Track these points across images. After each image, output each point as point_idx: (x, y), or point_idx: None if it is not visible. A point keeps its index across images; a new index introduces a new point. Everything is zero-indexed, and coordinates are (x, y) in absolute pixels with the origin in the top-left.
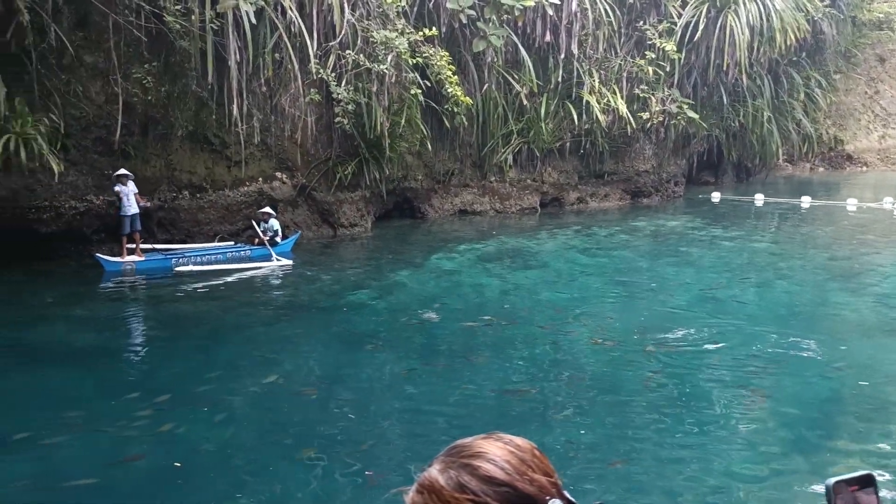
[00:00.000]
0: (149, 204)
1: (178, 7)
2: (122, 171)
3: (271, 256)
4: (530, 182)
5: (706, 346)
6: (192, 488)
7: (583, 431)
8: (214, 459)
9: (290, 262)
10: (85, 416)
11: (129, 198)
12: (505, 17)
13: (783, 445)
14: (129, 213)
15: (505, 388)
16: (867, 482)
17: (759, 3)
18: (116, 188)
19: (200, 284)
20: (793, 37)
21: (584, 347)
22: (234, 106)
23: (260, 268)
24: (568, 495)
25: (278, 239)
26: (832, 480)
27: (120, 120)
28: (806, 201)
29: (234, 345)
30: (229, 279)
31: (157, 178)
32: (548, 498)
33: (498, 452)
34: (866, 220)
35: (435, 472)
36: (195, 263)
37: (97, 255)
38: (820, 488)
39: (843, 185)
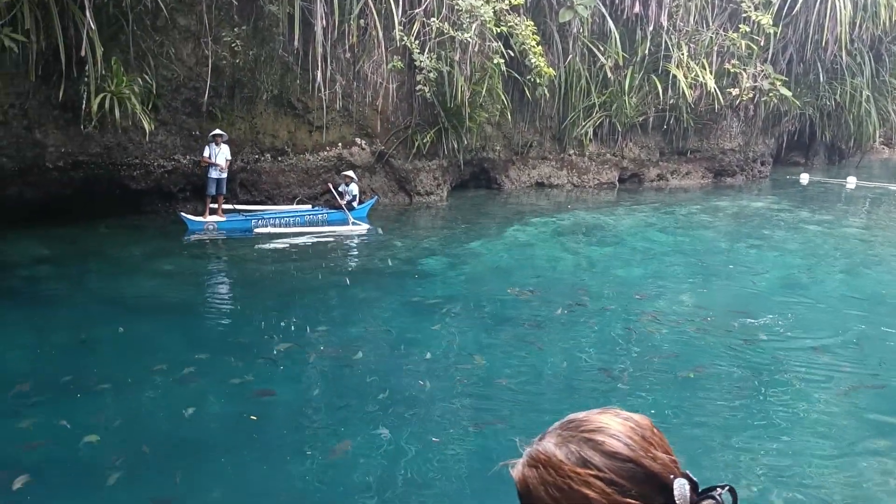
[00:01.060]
0: (224, 173)
1: None
2: (218, 131)
3: (348, 220)
4: (610, 157)
5: (785, 331)
6: (266, 439)
7: (653, 411)
8: (287, 414)
9: (366, 226)
10: (168, 366)
11: (219, 160)
12: None
13: (864, 438)
14: (217, 177)
15: (572, 363)
16: None
17: None
18: (206, 151)
19: (278, 245)
20: None
21: (655, 327)
22: (318, 71)
23: (336, 231)
24: (690, 475)
25: (355, 203)
26: None
27: (209, 82)
28: None
29: (307, 306)
30: (306, 242)
31: (242, 141)
32: (672, 476)
33: (619, 428)
34: None
35: (551, 447)
36: (274, 225)
37: (181, 213)
38: None
39: None
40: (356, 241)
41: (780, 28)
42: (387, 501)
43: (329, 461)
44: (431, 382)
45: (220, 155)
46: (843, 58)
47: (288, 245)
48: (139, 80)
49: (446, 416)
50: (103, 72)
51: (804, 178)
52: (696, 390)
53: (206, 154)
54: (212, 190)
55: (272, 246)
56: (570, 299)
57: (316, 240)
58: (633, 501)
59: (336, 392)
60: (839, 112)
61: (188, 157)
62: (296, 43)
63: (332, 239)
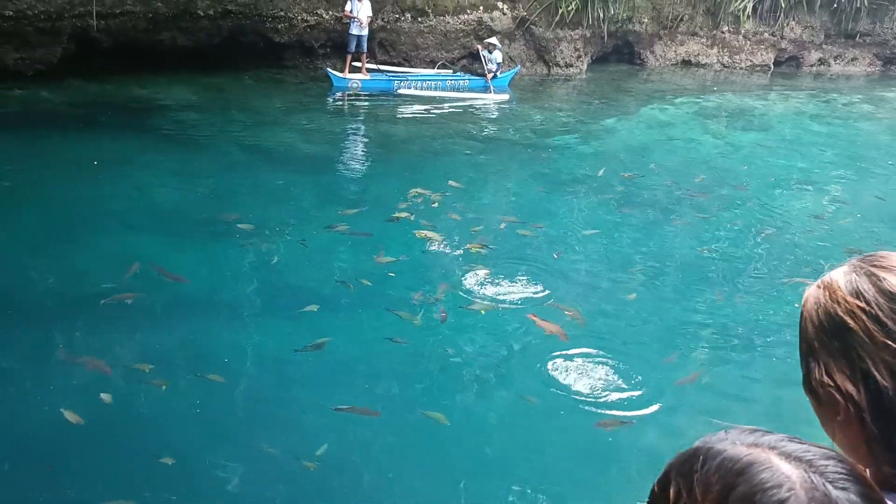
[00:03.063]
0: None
1: None
2: None
3: (489, 89)
4: (767, 36)
5: None
6: (369, 296)
7: (771, 311)
8: (404, 280)
9: (506, 96)
10: (298, 217)
11: (362, 17)
12: None
13: None
14: (358, 33)
15: (701, 248)
16: None
17: None
18: (349, 6)
19: (418, 108)
20: None
21: (796, 219)
22: None
23: (476, 98)
24: None
25: (499, 72)
26: None
27: None
28: None
29: (437, 170)
30: (446, 107)
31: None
32: None
33: None
34: None
35: (839, 272)
36: (416, 88)
37: (328, 69)
38: None
39: None
40: (494, 109)
41: None
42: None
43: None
44: (560, 245)
45: (361, 10)
46: None
47: (427, 108)
48: None
49: (568, 287)
50: None
51: None
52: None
53: (347, 8)
54: (352, 47)
55: (412, 108)
56: (704, 185)
57: (457, 105)
58: (893, 344)
59: (450, 251)
60: None
61: (330, 12)
62: None
63: (470, 105)
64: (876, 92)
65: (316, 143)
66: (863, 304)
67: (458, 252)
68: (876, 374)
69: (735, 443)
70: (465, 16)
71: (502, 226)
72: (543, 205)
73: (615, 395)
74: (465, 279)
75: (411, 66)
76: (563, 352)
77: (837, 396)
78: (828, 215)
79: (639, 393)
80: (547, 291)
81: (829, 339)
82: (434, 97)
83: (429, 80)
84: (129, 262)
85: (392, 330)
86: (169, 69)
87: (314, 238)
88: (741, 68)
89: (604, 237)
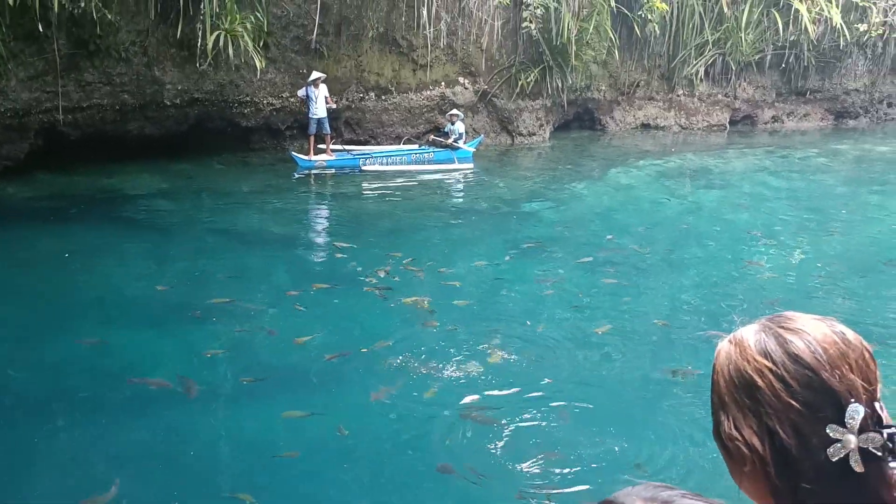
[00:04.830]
0: (334, 105)
1: None
2: (317, 74)
3: (453, 160)
4: (721, 97)
5: None
6: (353, 371)
7: None
8: (387, 339)
9: (470, 166)
10: (272, 295)
11: (318, 101)
12: None
13: None
14: (319, 116)
15: (673, 307)
16: None
17: None
18: (302, 92)
19: (384, 184)
20: None
21: (762, 274)
22: (424, 8)
23: (441, 171)
24: (881, 409)
25: (461, 143)
26: None
27: (317, 20)
28: None
29: (410, 245)
30: (412, 181)
31: (347, 79)
32: (852, 400)
33: (818, 336)
34: None
35: (750, 330)
36: (381, 164)
37: (292, 152)
38: None
39: None
40: (461, 180)
41: None
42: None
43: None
44: (527, 316)
45: (319, 94)
46: None
47: (394, 184)
48: (251, 17)
49: (544, 361)
50: (218, 10)
51: None
52: None
53: (300, 93)
54: (312, 129)
55: (379, 184)
56: (673, 243)
57: (422, 179)
58: (796, 404)
59: (443, 322)
60: None
61: (296, 94)
62: None
63: (437, 178)
64: (830, 145)
65: (287, 223)
66: (770, 364)
67: (434, 328)
68: (781, 431)
69: (634, 497)
70: (428, 92)
71: (475, 295)
72: (518, 272)
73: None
74: (441, 353)
75: (378, 143)
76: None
77: (745, 450)
78: (792, 267)
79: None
80: (528, 363)
81: (739, 395)
82: (400, 172)
83: (394, 155)
84: (104, 359)
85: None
86: (137, 157)
87: (291, 317)
88: (699, 129)
89: (579, 300)
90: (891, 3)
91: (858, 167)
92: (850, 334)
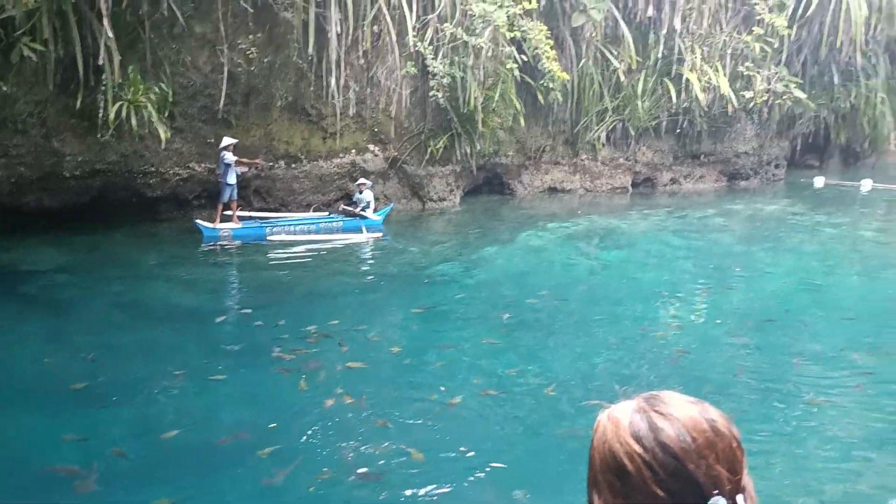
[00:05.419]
0: (259, 162)
1: None
2: (230, 139)
3: (361, 229)
4: (623, 161)
5: (799, 336)
6: (246, 453)
7: None
8: (290, 417)
9: (380, 234)
10: (184, 372)
11: (232, 167)
12: None
13: (877, 446)
14: (232, 182)
15: (592, 365)
16: None
17: None
18: (230, 157)
19: (293, 253)
20: None
21: (670, 330)
22: (333, 77)
23: (350, 239)
24: (743, 501)
25: (369, 211)
26: None
27: (224, 89)
28: None
29: (322, 314)
30: (320, 249)
31: (256, 148)
32: (715, 492)
33: (689, 423)
34: None
35: (627, 409)
36: (288, 232)
37: (197, 221)
38: None
39: None
40: (371, 248)
41: (794, 30)
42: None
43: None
44: (442, 381)
45: (232, 161)
46: (858, 59)
47: (303, 252)
48: (156, 88)
49: (454, 421)
50: (120, 80)
51: (819, 180)
52: (707, 395)
53: (229, 159)
54: (225, 197)
55: (287, 253)
56: (584, 303)
57: (331, 247)
58: (660, 492)
59: (350, 394)
60: (854, 114)
61: (203, 164)
62: (310, 49)
63: (346, 246)
64: (724, 205)
65: (195, 294)
66: (640, 451)
67: (342, 400)
68: None
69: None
70: (339, 159)
71: (385, 363)
72: (429, 337)
73: None
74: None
75: (289, 211)
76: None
77: None
78: (694, 323)
79: None
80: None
81: (610, 476)
82: (309, 240)
83: (302, 223)
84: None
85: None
86: (36, 230)
87: (200, 392)
88: (603, 191)
89: (484, 365)
90: (773, 72)
91: (751, 225)
92: (721, 422)
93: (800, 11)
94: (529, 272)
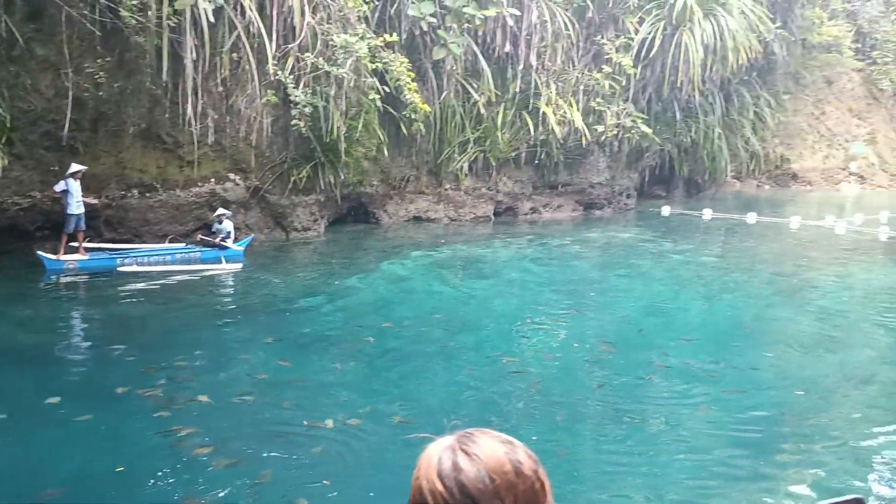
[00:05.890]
0: (96, 202)
1: (134, 2)
2: (77, 167)
3: (221, 260)
4: (485, 191)
5: (651, 359)
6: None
7: (534, 437)
8: (148, 462)
9: (240, 265)
10: (12, 416)
11: (77, 196)
12: (465, 25)
13: (723, 459)
14: (76, 212)
15: (454, 394)
16: None
17: (714, 22)
18: (60, 186)
19: (146, 285)
20: (745, 56)
21: (532, 356)
22: (189, 105)
23: (210, 270)
24: None
25: (229, 241)
26: None
27: (69, 115)
28: (752, 217)
29: (176, 348)
30: (177, 281)
31: (107, 176)
32: None
33: (492, 464)
34: (809, 237)
35: (441, 445)
36: (140, 264)
37: (39, 253)
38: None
39: (788, 202)
40: (231, 279)
41: (639, 69)
42: None
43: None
44: (308, 413)
45: (77, 191)
46: (697, 97)
47: (157, 285)
48: None
49: (324, 456)
50: None
51: (665, 210)
52: (565, 418)
53: (58, 188)
54: (71, 227)
55: (140, 286)
56: (447, 332)
57: (188, 279)
58: None
59: (203, 432)
60: (695, 148)
61: (46, 192)
62: (164, 75)
63: (205, 278)
64: (581, 234)
65: (34, 332)
66: (441, 489)
67: (196, 451)
68: None
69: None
70: (197, 188)
71: (242, 401)
72: (289, 370)
73: None
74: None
75: (143, 242)
76: None
77: None
78: (554, 348)
79: None
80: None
81: None
82: (165, 272)
83: (156, 254)
84: None
85: None
86: None
87: (43, 436)
88: (466, 220)
89: (346, 398)
90: (622, 108)
91: (606, 253)
92: (527, 464)
93: (644, 52)
94: (393, 301)
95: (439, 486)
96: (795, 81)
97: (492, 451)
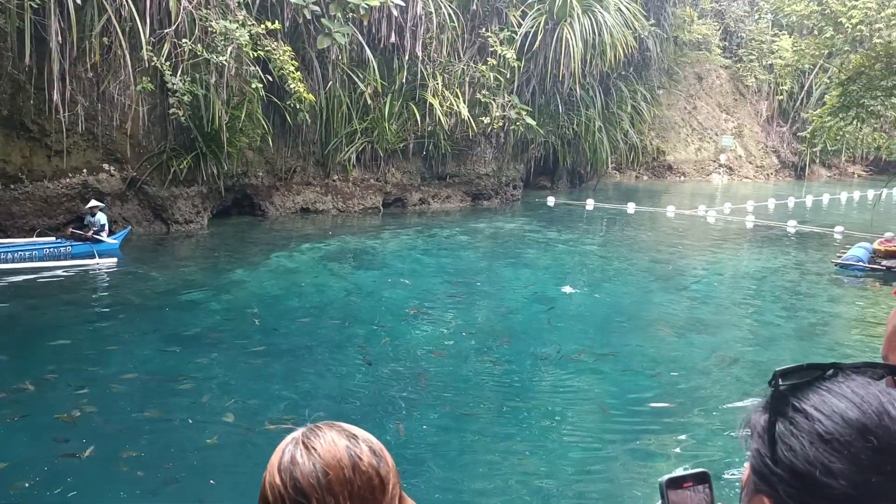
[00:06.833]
0: None
1: None
2: None
3: (94, 254)
4: (373, 182)
5: (536, 347)
6: None
7: (425, 426)
8: (35, 470)
9: (115, 260)
10: None
11: None
12: (350, 15)
13: (603, 440)
14: None
15: (343, 387)
16: (702, 479)
17: (592, 18)
18: None
19: (13, 281)
20: (621, 52)
21: (421, 347)
22: (55, 91)
23: (83, 265)
24: None
25: (104, 234)
26: (665, 478)
27: None
28: (631, 207)
29: (50, 349)
30: (47, 278)
31: None
32: None
33: (329, 459)
34: (683, 225)
35: (289, 439)
36: (5, 260)
37: None
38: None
39: (664, 193)
40: (105, 275)
41: (523, 62)
42: None
43: None
44: (190, 414)
45: None
46: (578, 91)
47: (25, 282)
48: None
49: (208, 452)
50: None
51: (551, 200)
52: (453, 405)
53: None
54: None
55: (4, 284)
56: (336, 324)
57: (60, 275)
58: None
59: (85, 438)
60: (577, 140)
61: None
62: (27, 59)
63: (78, 273)
64: (469, 224)
65: None
66: (279, 483)
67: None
68: None
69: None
70: (67, 180)
71: (124, 403)
72: (172, 368)
73: None
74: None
75: (7, 237)
76: None
77: None
78: (443, 337)
79: None
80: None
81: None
82: (32, 268)
83: (21, 249)
84: None
85: None
86: None
87: None
88: (355, 212)
89: (235, 391)
90: (507, 100)
91: (494, 243)
92: (367, 460)
93: (527, 45)
94: (282, 295)
95: (277, 481)
96: (669, 77)
97: (332, 445)
